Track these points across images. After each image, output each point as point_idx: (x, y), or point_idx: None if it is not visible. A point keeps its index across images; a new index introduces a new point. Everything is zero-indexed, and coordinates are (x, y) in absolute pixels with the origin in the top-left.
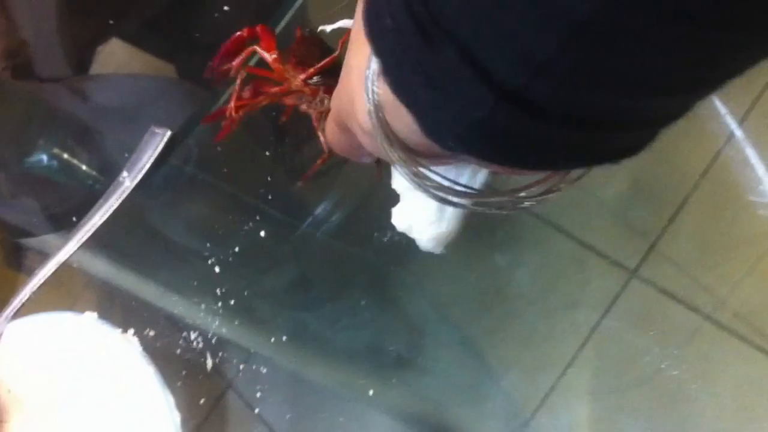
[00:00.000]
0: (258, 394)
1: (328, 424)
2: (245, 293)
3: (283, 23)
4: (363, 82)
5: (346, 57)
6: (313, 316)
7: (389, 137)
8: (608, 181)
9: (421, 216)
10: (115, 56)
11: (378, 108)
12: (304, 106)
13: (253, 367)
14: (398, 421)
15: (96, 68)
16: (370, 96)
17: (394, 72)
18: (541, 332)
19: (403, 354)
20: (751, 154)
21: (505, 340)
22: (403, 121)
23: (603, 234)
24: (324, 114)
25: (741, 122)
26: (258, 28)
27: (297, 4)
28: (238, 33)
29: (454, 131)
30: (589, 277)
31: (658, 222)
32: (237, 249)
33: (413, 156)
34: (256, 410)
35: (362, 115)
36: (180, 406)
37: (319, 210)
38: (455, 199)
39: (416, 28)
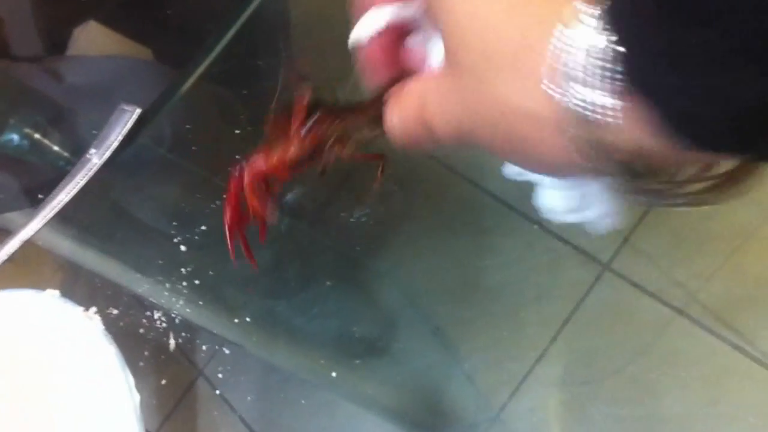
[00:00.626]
0: (220, 375)
1: (292, 407)
2: (211, 273)
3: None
4: (540, 90)
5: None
6: (280, 299)
7: (596, 147)
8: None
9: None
10: (92, 38)
11: (581, 116)
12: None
13: (216, 347)
14: (366, 407)
15: (72, 49)
16: (574, 101)
17: (642, 60)
18: (513, 323)
19: (373, 342)
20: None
21: (476, 330)
22: (632, 125)
23: (577, 227)
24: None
25: None
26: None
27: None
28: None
29: (718, 126)
30: (562, 270)
31: (631, 216)
32: (204, 228)
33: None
34: (218, 391)
35: (530, 127)
36: (141, 387)
37: (289, 196)
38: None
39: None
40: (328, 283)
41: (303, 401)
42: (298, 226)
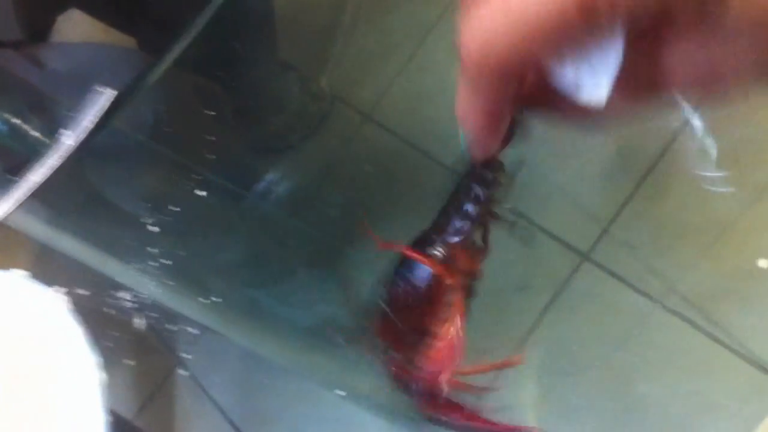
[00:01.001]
0: (199, 363)
1: (272, 395)
2: (182, 254)
3: None
4: None
5: None
6: (261, 288)
7: None
8: (563, 166)
9: None
10: (75, 26)
11: None
12: None
13: (195, 335)
14: (348, 396)
15: (55, 37)
16: None
17: None
18: (493, 314)
19: (354, 335)
20: (705, 143)
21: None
22: None
23: (557, 217)
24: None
25: (696, 111)
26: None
27: None
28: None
29: None
30: (542, 260)
31: (611, 206)
32: (176, 209)
33: None
34: (196, 379)
35: None
36: (107, 367)
37: (266, 180)
38: None
39: None
40: (310, 271)
41: (283, 389)
42: (279, 215)
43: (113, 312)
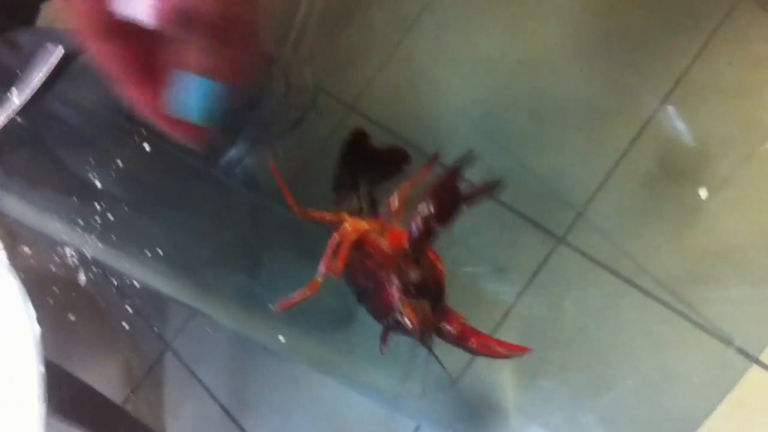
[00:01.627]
0: (130, 310)
1: (260, 379)
2: (125, 209)
3: None
4: None
5: None
6: (243, 274)
7: None
8: (539, 152)
9: None
10: (59, 13)
11: None
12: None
13: (128, 282)
14: (333, 378)
15: (39, 24)
16: None
17: None
18: (470, 296)
19: (337, 314)
20: (675, 129)
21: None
22: None
23: (532, 202)
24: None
25: (666, 98)
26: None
27: None
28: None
29: None
30: (517, 244)
31: (585, 191)
32: (120, 164)
33: None
34: (126, 325)
35: None
36: (45, 321)
37: (229, 155)
38: None
39: None
40: (292, 257)
41: (271, 373)
42: (261, 202)
43: (52, 267)
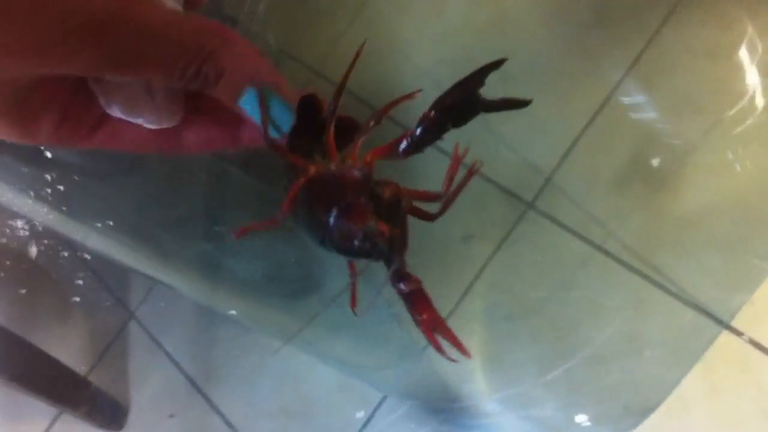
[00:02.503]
0: (80, 282)
1: (224, 347)
2: (76, 178)
3: None
4: None
5: None
6: (210, 242)
7: None
8: (507, 117)
9: None
10: None
11: None
12: None
13: (78, 254)
14: (296, 347)
15: None
16: None
17: None
18: (438, 263)
19: (301, 283)
20: (645, 92)
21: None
22: None
23: (502, 168)
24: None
25: (637, 59)
26: None
27: None
28: None
29: None
30: (487, 209)
31: (553, 157)
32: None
33: None
34: (77, 299)
35: None
36: (58, 325)
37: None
38: None
39: None
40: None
41: (235, 342)
42: (229, 170)
43: (3, 240)
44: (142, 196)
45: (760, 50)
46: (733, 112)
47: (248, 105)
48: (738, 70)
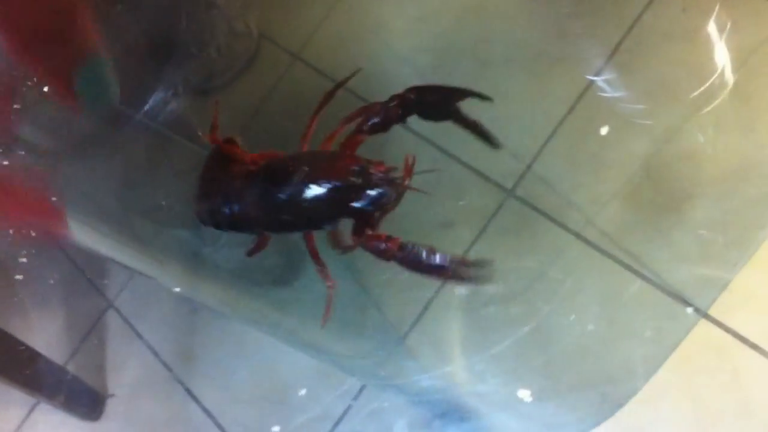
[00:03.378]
0: (23, 260)
1: (201, 335)
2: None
3: None
4: None
5: None
6: (188, 230)
7: None
8: (487, 106)
9: None
10: None
11: None
12: None
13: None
14: (275, 336)
15: None
16: None
17: None
18: None
19: (280, 272)
20: (625, 76)
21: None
22: None
23: (482, 155)
24: None
25: (618, 45)
26: None
27: None
28: None
29: None
30: (467, 197)
31: (533, 145)
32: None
33: None
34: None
35: None
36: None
37: (153, 98)
38: None
39: None
40: None
41: (211, 329)
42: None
43: None
44: (118, 182)
45: (728, 28)
46: (701, 94)
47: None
48: (707, 52)
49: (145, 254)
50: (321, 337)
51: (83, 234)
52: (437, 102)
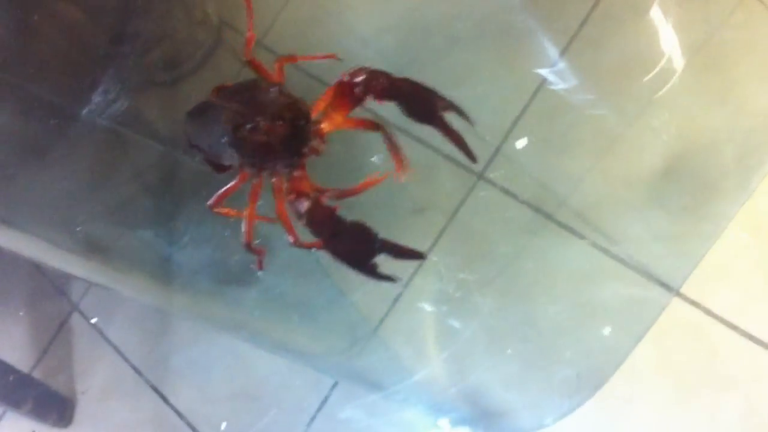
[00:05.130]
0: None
1: (170, 336)
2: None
3: None
4: None
5: None
6: (148, 229)
7: None
8: (454, 83)
9: None
10: None
11: None
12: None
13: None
14: (244, 335)
15: None
16: None
17: None
18: (389, 236)
19: (248, 268)
20: (592, 52)
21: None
22: None
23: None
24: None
25: (584, 20)
26: None
27: None
28: None
29: None
30: (437, 181)
31: (503, 123)
32: None
33: None
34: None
35: None
36: None
37: (106, 94)
38: None
39: None
40: (200, 209)
41: (180, 329)
42: (169, 153)
43: None
44: (71, 183)
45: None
46: (652, 77)
47: None
48: (655, 36)
49: (105, 263)
50: (291, 335)
51: (37, 249)
52: (420, 103)
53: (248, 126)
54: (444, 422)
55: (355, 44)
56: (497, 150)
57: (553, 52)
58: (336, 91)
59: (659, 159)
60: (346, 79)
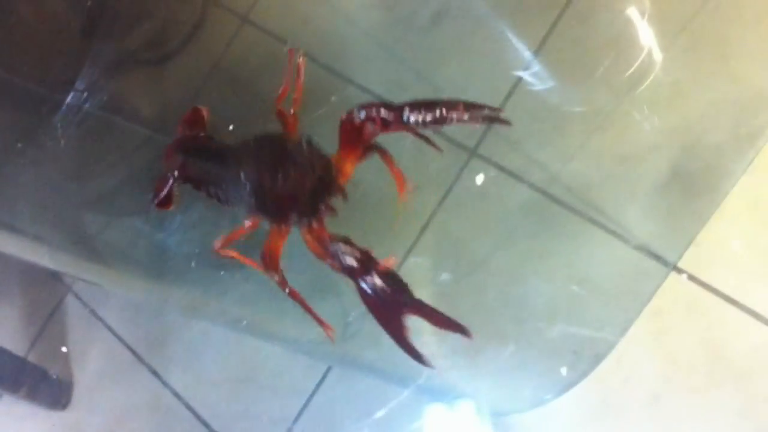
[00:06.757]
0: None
1: (165, 320)
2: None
3: None
4: None
5: None
6: (136, 215)
7: None
8: (440, 63)
9: None
10: None
11: None
12: None
13: None
14: (233, 321)
15: None
16: None
17: None
18: (384, 217)
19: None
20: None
21: (347, 227)
22: None
23: None
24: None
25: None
26: None
27: None
28: None
29: None
30: (430, 158)
31: (494, 101)
32: None
33: None
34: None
35: None
36: None
37: (90, 77)
38: None
39: None
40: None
41: (175, 314)
42: (156, 138)
43: None
44: (54, 174)
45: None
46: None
47: None
48: (635, 30)
49: (94, 256)
50: (284, 323)
51: (23, 246)
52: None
53: (278, 178)
54: (441, 403)
55: (340, 21)
56: (489, 126)
57: (543, 28)
58: (343, 140)
59: (651, 134)
60: (354, 121)
